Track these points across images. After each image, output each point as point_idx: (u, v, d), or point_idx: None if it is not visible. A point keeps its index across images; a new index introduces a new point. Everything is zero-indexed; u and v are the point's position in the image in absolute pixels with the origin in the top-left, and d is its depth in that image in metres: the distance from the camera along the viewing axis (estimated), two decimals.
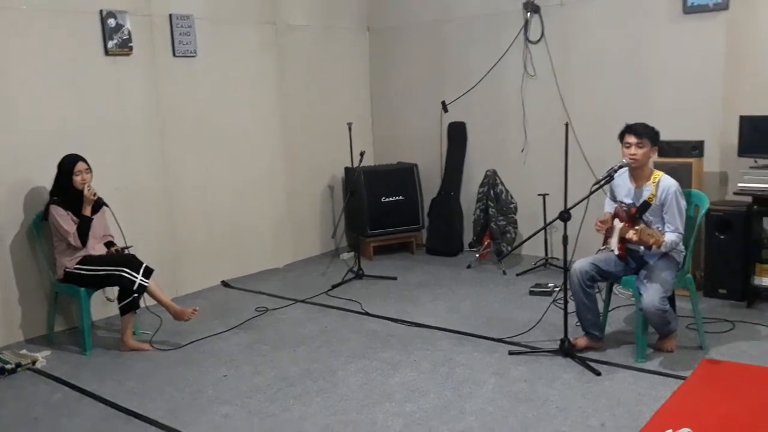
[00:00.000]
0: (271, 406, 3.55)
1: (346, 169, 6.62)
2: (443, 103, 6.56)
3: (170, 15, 5.32)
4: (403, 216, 6.53)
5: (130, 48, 5.07)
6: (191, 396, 3.72)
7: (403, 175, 6.58)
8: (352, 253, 6.38)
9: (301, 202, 6.50)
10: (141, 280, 4.31)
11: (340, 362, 4.06)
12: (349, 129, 5.82)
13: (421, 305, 5.05)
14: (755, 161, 4.80)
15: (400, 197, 6.51)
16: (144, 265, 4.37)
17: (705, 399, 3.38)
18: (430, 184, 6.66)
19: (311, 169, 6.56)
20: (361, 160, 5.85)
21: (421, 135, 6.78)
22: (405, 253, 6.61)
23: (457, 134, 6.53)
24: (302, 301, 5.24)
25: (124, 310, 4.35)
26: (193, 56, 5.48)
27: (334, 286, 5.55)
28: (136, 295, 4.31)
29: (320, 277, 5.90)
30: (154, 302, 4.51)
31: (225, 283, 5.79)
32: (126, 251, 4.53)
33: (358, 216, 6.46)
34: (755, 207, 4.65)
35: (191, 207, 5.58)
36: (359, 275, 5.78)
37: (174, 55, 5.36)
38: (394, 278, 5.76)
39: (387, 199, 6.46)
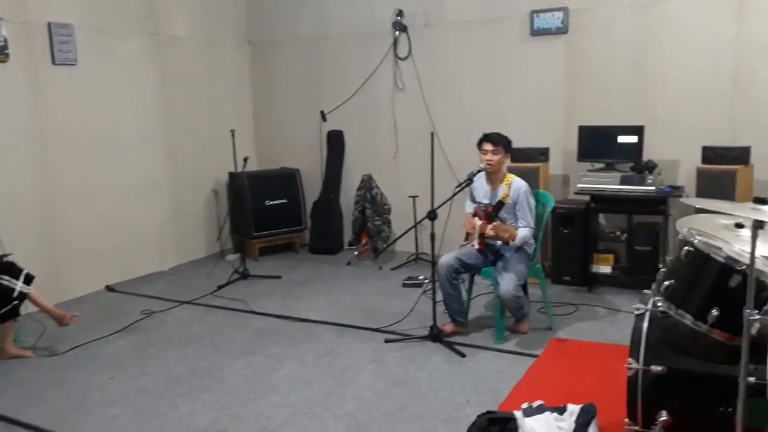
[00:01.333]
0: (159, 405, 3.40)
1: (230, 174, 6.45)
2: (322, 112, 6.56)
3: (49, 23, 4.96)
4: (286, 218, 6.46)
5: (6, 55, 4.68)
6: (77, 400, 3.49)
7: (286, 180, 6.51)
8: (237, 255, 6.22)
9: (185, 206, 6.27)
10: (21, 287, 3.98)
11: (227, 359, 3.96)
12: (233, 136, 5.68)
13: (305, 301, 5.02)
14: (592, 165, 5.15)
15: (284, 200, 6.44)
16: (25, 272, 4.04)
17: (555, 374, 3.60)
18: (312, 188, 6.64)
19: (195, 174, 6.35)
20: (244, 166, 5.72)
21: (302, 142, 6.74)
22: (289, 253, 6.54)
23: (335, 141, 6.55)
24: (188, 303, 5.05)
25: (4, 318, 4.00)
26: (73, 64, 5.14)
27: (219, 287, 5.40)
28: (16, 302, 3.98)
29: (206, 278, 5.71)
30: (36, 309, 4.19)
31: (109, 288, 5.47)
32: (5, 259, 4.18)
33: (243, 218, 6.33)
34: (592, 204, 5.00)
35: (73, 212, 5.24)
36: (244, 275, 5.65)
37: (54, 63, 5.01)
38: (279, 277, 5.69)
39: (271, 202, 6.37)
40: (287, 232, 6.52)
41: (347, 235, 6.49)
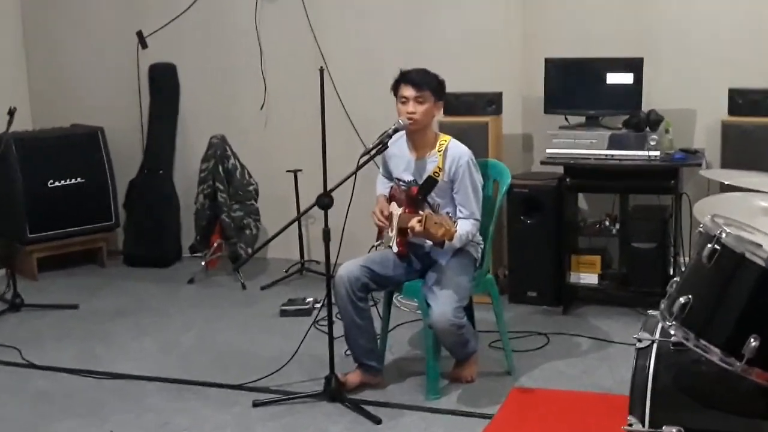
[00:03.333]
0: None
1: None
2: (140, 34, 6.43)
3: None
4: (84, 209, 6.33)
5: None
6: None
7: (82, 146, 6.38)
8: (3, 271, 6.02)
9: None
10: None
11: None
12: None
13: (119, 345, 4.93)
14: (566, 119, 5.30)
15: (79, 179, 6.31)
16: None
17: None
18: (126, 159, 6.53)
19: None
20: (10, 123, 5.51)
21: (106, 84, 6.60)
22: (90, 266, 6.44)
23: (163, 82, 6.45)
24: None
25: None
26: None
27: None
28: None
29: None
30: None
31: None
32: None
33: (10, 211, 6.16)
34: (568, 180, 5.12)
35: None
36: (15, 304, 5.50)
37: None
38: (75, 306, 5.57)
39: (57, 183, 6.24)
40: (86, 231, 6.38)
41: (187, 235, 6.40)
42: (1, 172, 5.96)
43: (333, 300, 4.10)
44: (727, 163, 4.85)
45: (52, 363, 4.67)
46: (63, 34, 6.70)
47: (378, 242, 4.26)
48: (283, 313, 5.27)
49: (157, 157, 6.46)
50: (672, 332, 2.70)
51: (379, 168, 4.36)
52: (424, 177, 4.10)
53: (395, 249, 4.13)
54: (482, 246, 4.26)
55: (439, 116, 4.30)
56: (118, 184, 6.48)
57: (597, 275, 5.21)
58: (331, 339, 4.06)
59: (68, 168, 6.28)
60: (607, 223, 5.30)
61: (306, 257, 6.07)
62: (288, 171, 5.96)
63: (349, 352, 4.22)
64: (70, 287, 5.96)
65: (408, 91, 4.05)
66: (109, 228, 6.49)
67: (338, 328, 4.13)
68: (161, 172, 6.44)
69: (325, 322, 4.14)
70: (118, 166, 6.48)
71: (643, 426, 2.70)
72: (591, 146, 5.02)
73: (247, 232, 6.03)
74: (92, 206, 6.38)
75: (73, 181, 6.30)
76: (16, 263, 5.89)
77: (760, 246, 2.57)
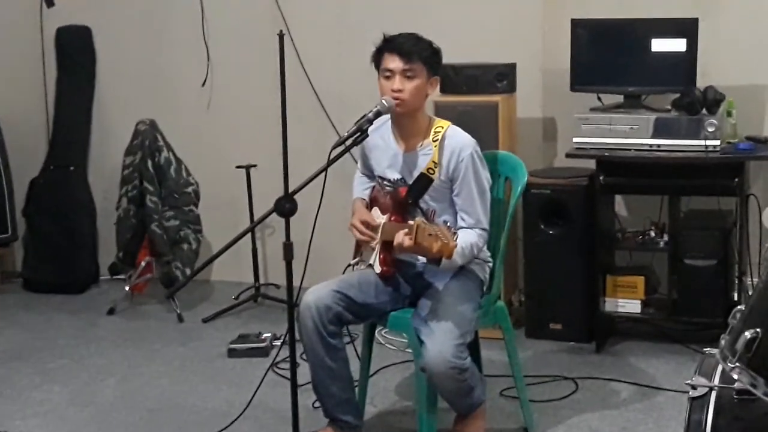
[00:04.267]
0: None
1: None
2: None
3: None
4: None
5: None
6: None
7: None
8: None
9: None
10: None
11: None
12: None
13: (17, 396, 4.90)
14: (599, 99, 5.30)
15: None
16: None
17: None
18: (26, 151, 6.57)
19: None
20: None
21: None
22: None
23: (75, 51, 6.48)
24: None
25: None
26: None
27: None
28: None
29: None
30: None
31: None
32: None
33: None
34: (602, 178, 5.10)
35: None
36: None
37: None
38: None
39: None
40: None
41: (107, 251, 6.41)
42: None
43: (297, 335, 4.07)
44: None
45: None
46: None
47: (355, 260, 4.24)
48: (232, 353, 5.25)
49: (66, 149, 6.49)
50: (735, 377, 2.67)
51: (357, 163, 4.33)
52: (415, 175, 4.07)
53: (378, 269, 4.10)
54: (491, 264, 4.24)
55: (434, 95, 4.27)
56: (15, 185, 6.48)
57: (640, 302, 5.20)
58: (295, 387, 4.01)
59: None
60: (653, 233, 5.29)
61: (262, 280, 6.08)
62: (238, 167, 5.97)
63: (318, 404, 4.18)
64: None
65: (393, 63, 4.01)
66: (4, 242, 6.50)
67: (304, 372, 4.11)
68: (72, 168, 6.45)
69: (287, 365, 4.13)
70: (16, 160, 6.50)
71: None
72: (631, 134, 5.02)
73: (185, 247, 6.03)
74: None
75: None
76: None
77: None
